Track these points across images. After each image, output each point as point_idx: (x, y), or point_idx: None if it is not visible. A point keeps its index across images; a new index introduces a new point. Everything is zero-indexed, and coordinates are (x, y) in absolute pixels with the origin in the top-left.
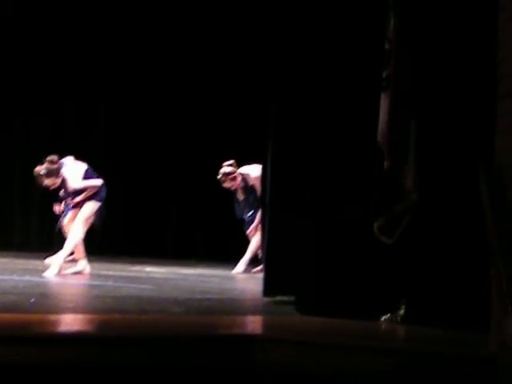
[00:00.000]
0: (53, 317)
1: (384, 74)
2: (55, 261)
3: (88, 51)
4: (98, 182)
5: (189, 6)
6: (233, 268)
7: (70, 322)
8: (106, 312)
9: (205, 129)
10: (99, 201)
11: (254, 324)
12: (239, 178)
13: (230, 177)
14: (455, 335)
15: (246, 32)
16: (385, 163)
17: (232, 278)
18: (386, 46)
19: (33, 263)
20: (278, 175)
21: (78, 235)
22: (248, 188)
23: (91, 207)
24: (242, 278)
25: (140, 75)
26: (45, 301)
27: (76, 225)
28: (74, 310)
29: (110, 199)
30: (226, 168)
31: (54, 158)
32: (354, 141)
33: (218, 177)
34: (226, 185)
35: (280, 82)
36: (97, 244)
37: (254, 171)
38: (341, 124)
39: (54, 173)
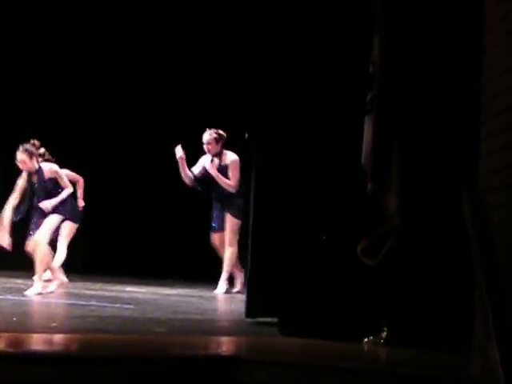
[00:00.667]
0: (36, 336)
1: (368, 97)
2: (36, 280)
3: (72, 43)
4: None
5: None
6: (212, 288)
7: (53, 342)
8: (89, 332)
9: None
10: (63, 215)
11: (236, 345)
12: (220, 144)
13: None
14: (438, 357)
15: (231, 45)
16: (368, 185)
17: (213, 299)
18: (371, 69)
19: (14, 281)
20: (261, 196)
21: (45, 252)
22: (221, 167)
23: (55, 220)
24: (223, 299)
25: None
26: (27, 320)
27: (40, 242)
28: (57, 330)
29: (89, 219)
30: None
31: (38, 143)
32: (338, 163)
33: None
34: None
35: (265, 104)
36: (78, 263)
37: (232, 156)
38: (325, 146)
39: (33, 153)
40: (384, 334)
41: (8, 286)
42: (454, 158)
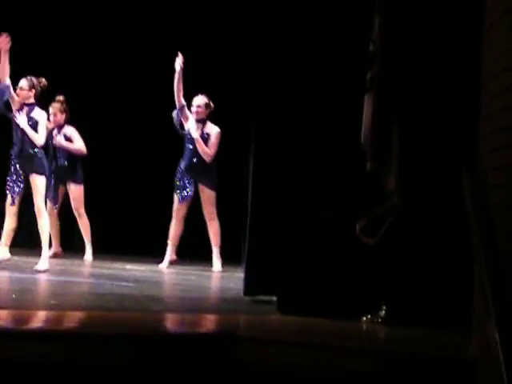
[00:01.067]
0: (35, 313)
1: (368, 76)
2: (43, 255)
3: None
4: None
5: None
6: (209, 265)
7: (52, 319)
8: (88, 309)
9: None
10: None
11: (235, 323)
12: (208, 111)
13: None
14: (436, 337)
15: (231, 29)
16: (367, 164)
17: (211, 277)
18: (371, 48)
19: (12, 259)
20: (260, 175)
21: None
22: (203, 135)
23: (42, 182)
24: (221, 277)
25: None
26: (26, 297)
27: (40, 211)
28: (56, 307)
29: (88, 197)
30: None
31: (45, 82)
32: (337, 142)
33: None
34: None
35: (264, 81)
36: (76, 241)
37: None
38: (324, 125)
39: (34, 86)
40: (382, 313)
41: (5, 263)
42: (454, 138)
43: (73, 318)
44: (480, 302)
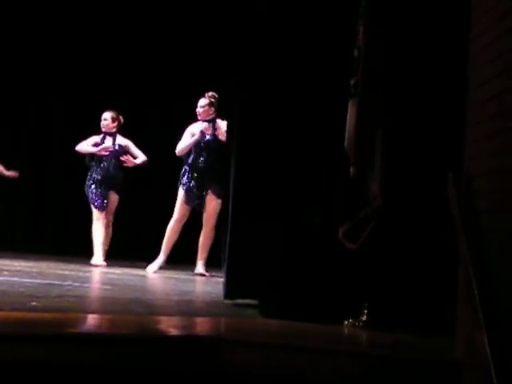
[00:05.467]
0: (17, 315)
1: (352, 81)
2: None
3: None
4: None
5: None
6: (186, 270)
7: (35, 320)
8: (70, 311)
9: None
10: None
11: (217, 326)
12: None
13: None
14: (419, 340)
15: (217, 30)
16: (351, 169)
17: (189, 281)
18: (355, 53)
19: None
20: (241, 176)
21: None
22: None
23: None
24: (199, 281)
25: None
26: (6, 299)
27: None
28: (38, 309)
29: (61, 201)
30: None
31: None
32: (320, 147)
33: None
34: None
35: (246, 85)
36: (49, 244)
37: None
38: (307, 129)
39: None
40: (364, 317)
41: None
42: (439, 143)
43: (56, 320)
44: (466, 306)
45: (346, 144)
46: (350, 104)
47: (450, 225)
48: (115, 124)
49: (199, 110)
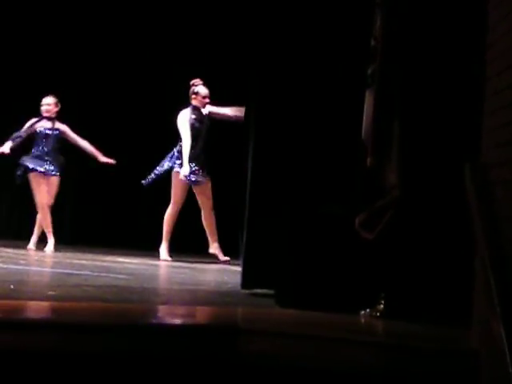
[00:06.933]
0: (35, 304)
1: (369, 71)
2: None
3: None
4: None
5: None
6: (201, 259)
7: (52, 309)
8: (87, 300)
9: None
10: None
11: (234, 315)
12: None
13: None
14: (436, 330)
15: (231, 22)
16: (368, 159)
17: (205, 270)
18: (372, 43)
19: (4, 250)
20: (259, 168)
21: None
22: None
23: None
24: (216, 270)
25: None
26: (24, 288)
27: None
28: (55, 298)
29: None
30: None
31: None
32: (337, 137)
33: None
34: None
35: (263, 77)
36: (66, 233)
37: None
38: (324, 120)
39: None
40: (381, 307)
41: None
42: (456, 133)
43: (74, 309)
44: (483, 296)
45: (363, 134)
46: (367, 94)
47: (466, 214)
48: (57, 109)
49: (206, 99)
